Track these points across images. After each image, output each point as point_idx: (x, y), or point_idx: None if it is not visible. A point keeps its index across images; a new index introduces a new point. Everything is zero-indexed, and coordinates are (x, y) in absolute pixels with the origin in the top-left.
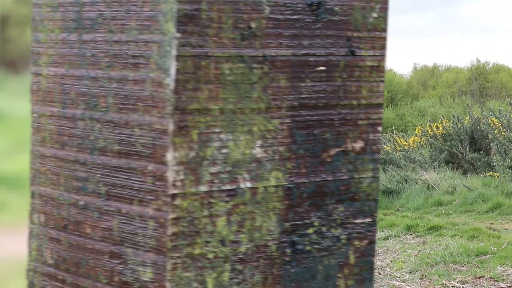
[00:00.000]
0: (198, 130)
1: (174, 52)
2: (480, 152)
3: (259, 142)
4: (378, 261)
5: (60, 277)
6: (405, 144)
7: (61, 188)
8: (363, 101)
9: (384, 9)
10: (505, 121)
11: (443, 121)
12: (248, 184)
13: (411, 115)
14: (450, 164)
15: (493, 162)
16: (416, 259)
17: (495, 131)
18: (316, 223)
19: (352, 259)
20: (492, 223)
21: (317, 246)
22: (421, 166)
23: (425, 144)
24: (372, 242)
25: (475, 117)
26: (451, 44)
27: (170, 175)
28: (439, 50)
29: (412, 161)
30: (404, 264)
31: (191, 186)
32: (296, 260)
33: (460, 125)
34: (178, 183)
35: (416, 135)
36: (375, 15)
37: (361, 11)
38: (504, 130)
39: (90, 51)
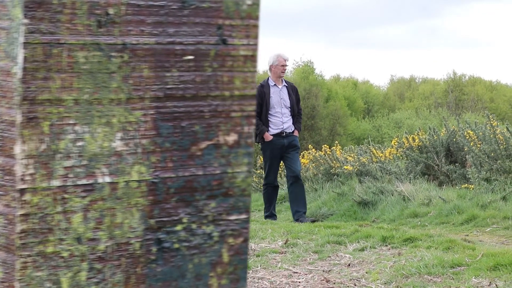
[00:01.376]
0: (49, 122)
1: (21, 39)
2: (456, 164)
3: (119, 135)
4: (353, 272)
5: None
6: (382, 156)
7: None
8: (237, 92)
9: None
10: (480, 133)
11: (419, 133)
12: (107, 179)
13: (388, 127)
14: (426, 176)
15: (468, 174)
16: (391, 270)
17: (471, 144)
18: (185, 220)
19: (225, 257)
20: (467, 235)
21: (186, 244)
22: (397, 178)
23: (401, 155)
24: (247, 240)
25: (451, 129)
26: (428, 56)
27: (19, 169)
28: (416, 62)
29: (388, 172)
30: (379, 275)
31: (42, 180)
32: (163, 258)
33: (436, 137)
34: (28, 178)
35: (392, 146)
36: (249, 2)
37: None
38: (479, 142)
39: None
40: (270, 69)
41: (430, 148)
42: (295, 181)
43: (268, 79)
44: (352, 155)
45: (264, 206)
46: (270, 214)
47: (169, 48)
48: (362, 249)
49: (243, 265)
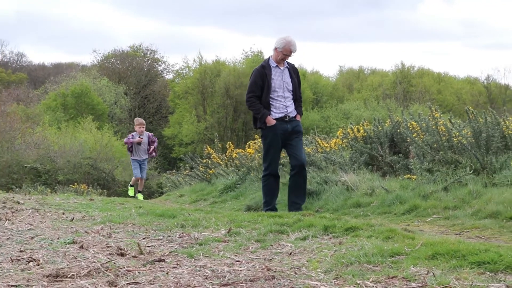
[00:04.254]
0: None
1: None
2: (399, 155)
3: None
4: (294, 261)
5: None
6: (327, 146)
7: None
8: None
9: None
10: (424, 124)
11: (365, 124)
12: None
13: (336, 118)
14: (370, 166)
15: (411, 165)
16: (331, 259)
17: (414, 135)
18: None
19: None
20: (408, 225)
21: None
22: (341, 168)
23: (346, 146)
24: None
25: (395, 120)
26: (377, 48)
27: None
28: (365, 53)
29: (332, 162)
30: (319, 264)
31: None
32: None
33: (380, 128)
34: None
35: (337, 137)
36: None
37: None
38: (422, 133)
39: None
40: (274, 49)
41: (375, 138)
42: (300, 171)
43: (269, 59)
44: None
45: (263, 200)
46: (273, 208)
47: None
48: (304, 238)
49: None
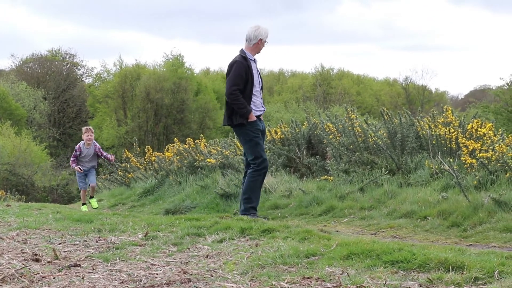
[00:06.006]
0: None
1: None
2: (317, 156)
3: None
4: (211, 263)
5: None
6: None
7: None
8: None
9: None
10: (340, 126)
11: (282, 126)
12: None
13: None
14: (288, 168)
15: (328, 166)
16: (248, 261)
17: (330, 136)
18: None
19: None
20: (325, 225)
21: None
22: None
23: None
24: None
25: (312, 122)
26: (297, 50)
27: None
28: (286, 56)
29: None
30: (236, 266)
31: None
32: None
33: (298, 130)
34: None
35: None
36: None
37: None
38: (339, 135)
39: None
40: (257, 42)
41: (292, 141)
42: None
43: (246, 52)
44: (217, 148)
45: (250, 202)
46: (255, 207)
47: None
48: (221, 241)
49: None
